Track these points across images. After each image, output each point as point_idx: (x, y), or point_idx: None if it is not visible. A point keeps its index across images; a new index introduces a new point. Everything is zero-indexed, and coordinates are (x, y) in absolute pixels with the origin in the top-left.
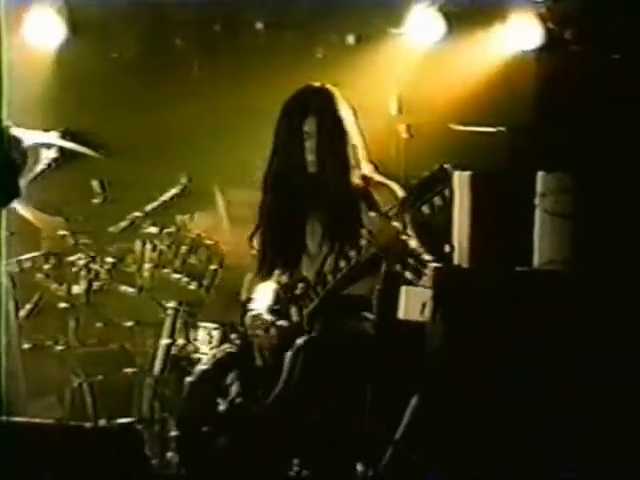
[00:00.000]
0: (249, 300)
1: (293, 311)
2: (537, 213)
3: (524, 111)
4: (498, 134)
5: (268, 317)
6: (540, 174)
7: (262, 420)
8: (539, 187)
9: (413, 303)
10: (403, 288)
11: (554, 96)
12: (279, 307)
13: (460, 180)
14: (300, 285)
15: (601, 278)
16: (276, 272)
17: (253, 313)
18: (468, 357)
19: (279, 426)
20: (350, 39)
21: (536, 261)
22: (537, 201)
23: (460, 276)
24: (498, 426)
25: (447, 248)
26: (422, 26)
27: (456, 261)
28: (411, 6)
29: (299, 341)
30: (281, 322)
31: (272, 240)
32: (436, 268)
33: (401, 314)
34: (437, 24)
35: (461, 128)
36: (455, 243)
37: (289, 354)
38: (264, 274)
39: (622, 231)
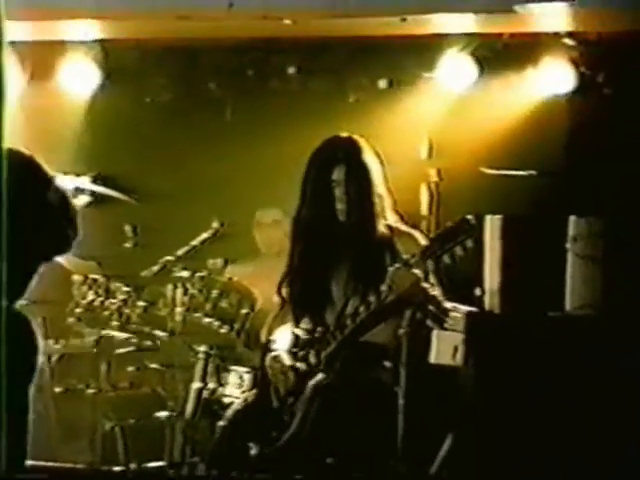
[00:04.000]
0: (270, 342)
1: (311, 354)
2: (569, 257)
3: (556, 155)
4: (529, 178)
5: (287, 360)
6: (572, 218)
7: (274, 462)
8: (571, 231)
9: (445, 347)
10: (435, 332)
11: (586, 140)
12: (298, 350)
13: (491, 224)
14: (319, 329)
15: (634, 322)
16: (299, 317)
17: (273, 354)
18: (500, 402)
19: (291, 468)
20: (382, 83)
21: (568, 306)
22: (569, 245)
23: (492, 321)
24: (532, 470)
25: (478, 292)
26: (454, 70)
27: (487, 306)
28: (443, 50)
29: (314, 385)
30: (299, 365)
31: (300, 289)
32: (468, 313)
33: (433, 358)
34: (469, 68)
35: (492, 172)
36: (486, 287)
37: (304, 397)
38: (291, 322)
39: None
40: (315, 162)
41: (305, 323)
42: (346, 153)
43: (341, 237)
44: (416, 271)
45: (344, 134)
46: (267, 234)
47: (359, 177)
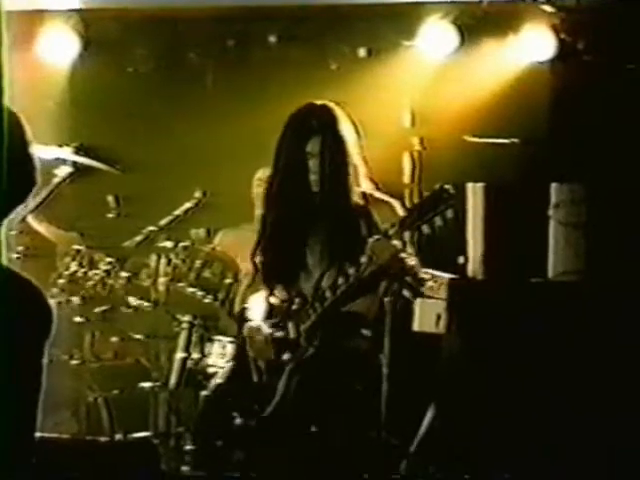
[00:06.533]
0: (244, 310)
1: (290, 326)
2: (551, 224)
3: (537, 122)
4: (511, 145)
5: (266, 330)
6: (553, 185)
7: (258, 433)
8: (553, 198)
9: (428, 315)
10: (418, 300)
11: (567, 107)
12: (276, 320)
13: (474, 192)
14: (297, 300)
15: (615, 287)
16: (275, 286)
17: (251, 324)
18: (483, 368)
19: (276, 439)
20: (362, 52)
21: (550, 272)
22: (551, 212)
23: (474, 288)
24: (513, 435)
25: (461, 260)
26: (435, 38)
27: (470, 273)
28: (423, 18)
29: (296, 358)
30: (278, 335)
31: (272, 256)
32: (450, 280)
33: (416, 326)
34: (450, 36)
35: (475, 140)
36: (469, 255)
37: (286, 370)
38: (264, 289)
39: (636, 240)
40: (289, 132)
41: (278, 292)
42: (321, 124)
43: (315, 207)
44: (395, 242)
45: (319, 102)
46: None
47: (333, 149)
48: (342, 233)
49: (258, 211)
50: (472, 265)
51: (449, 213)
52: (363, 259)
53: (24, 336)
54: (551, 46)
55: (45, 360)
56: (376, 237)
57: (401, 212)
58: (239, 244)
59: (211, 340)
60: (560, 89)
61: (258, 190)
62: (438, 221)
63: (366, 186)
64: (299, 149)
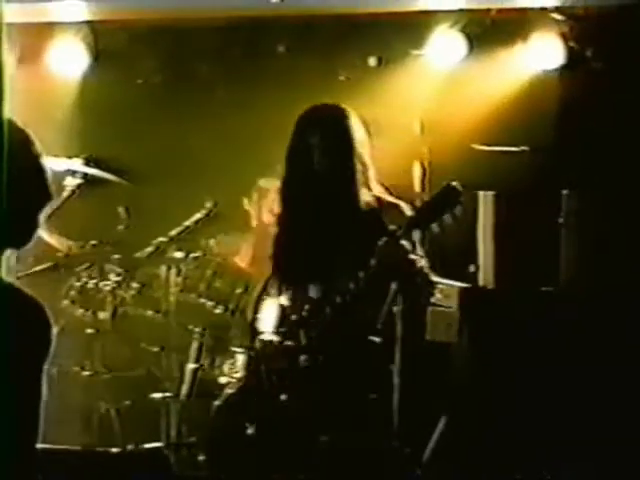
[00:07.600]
0: (255, 320)
1: (301, 333)
2: (562, 232)
3: (547, 130)
4: (521, 153)
5: (276, 339)
6: (564, 193)
7: (265, 441)
8: (563, 206)
9: (439, 324)
10: (429, 309)
11: (576, 114)
12: (286, 328)
13: (484, 200)
14: (306, 306)
15: (626, 295)
16: (285, 292)
17: (262, 337)
18: (494, 377)
19: (285, 447)
20: (372, 61)
21: (561, 280)
22: (561, 220)
23: (485, 297)
24: (523, 444)
25: (472, 268)
26: (443, 47)
27: (481, 282)
28: (432, 27)
29: (305, 364)
30: (288, 343)
31: (282, 260)
32: (462, 289)
33: (428, 335)
34: (458, 45)
35: (484, 148)
36: (480, 264)
37: (295, 377)
38: (274, 293)
39: None
40: (298, 129)
41: (290, 296)
42: (329, 121)
43: (323, 206)
44: (404, 242)
45: (331, 102)
46: (265, 200)
47: (337, 141)
48: (351, 235)
49: (254, 221)
50: (483, 273)
51: (458, 210)
52: (372, 261)
53: (22, 351)
54: (560, 54)
55: (44, 375)
56: (384, 239)
57: (410, 215)
58: (232, 250)
59: (222, 350)
60: (569, 97)
61: (257, 199)
62: (448, 219)
63: (376, 188)
64: (303, 142)
